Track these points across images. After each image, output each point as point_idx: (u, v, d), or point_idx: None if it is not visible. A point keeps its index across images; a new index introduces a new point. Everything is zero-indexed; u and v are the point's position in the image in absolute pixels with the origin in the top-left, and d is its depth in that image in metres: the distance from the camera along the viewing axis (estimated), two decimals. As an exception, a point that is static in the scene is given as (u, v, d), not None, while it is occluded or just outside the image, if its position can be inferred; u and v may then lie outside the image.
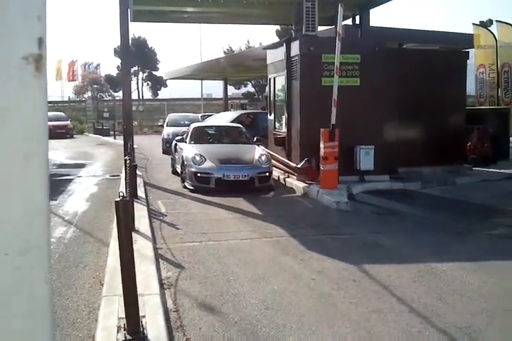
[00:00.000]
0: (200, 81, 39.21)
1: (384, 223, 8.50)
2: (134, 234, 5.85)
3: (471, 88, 16.94)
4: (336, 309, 4.81)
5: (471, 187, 11.75)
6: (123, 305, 3.94)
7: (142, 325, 3.98)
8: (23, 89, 0.85)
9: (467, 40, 17.92)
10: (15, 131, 0.85)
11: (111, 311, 4.33)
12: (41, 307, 0.90)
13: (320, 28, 12.76)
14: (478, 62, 18.09)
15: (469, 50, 16.20)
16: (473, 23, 18.15)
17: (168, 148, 16.90)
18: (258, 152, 11.82)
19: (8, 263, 0.86)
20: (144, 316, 4.16)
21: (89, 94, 53.70)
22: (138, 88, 61.16)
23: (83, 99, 50.25)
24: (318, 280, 5.59)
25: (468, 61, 13.88)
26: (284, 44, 12.63)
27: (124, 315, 3.96)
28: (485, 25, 18.11)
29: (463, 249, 6.93)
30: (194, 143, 12.39)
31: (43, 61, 0.86)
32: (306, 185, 10.99)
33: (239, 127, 14.06)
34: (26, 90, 0.85)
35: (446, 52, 16.01)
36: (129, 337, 3.79)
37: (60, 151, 20.94)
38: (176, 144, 13.44)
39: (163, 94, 62.04)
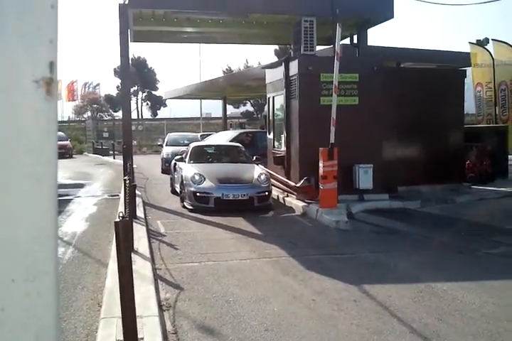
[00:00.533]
0: (199, 100, 39.45)
1: (383, 242, 8.47)
2: (132, 255, 5.83)
3: (469, 106, 17.02)
4: (336, 330, 4.76)
5: (470, 206, 11.74)
6: (121, 326, 3.90)
7: (140, 348, 3.93)
8: (34, 113, 0.86)
9: (464, 58, 18.08)
10: (25, 154, 0.86)
11: (109, 333, 4.28)
12: (49, 334, 0.89)
13: (318, 48, 12.90)
14: (476, 81, 18.22)
15: (466, 68, 16.32)
16: (470, 42, 18.32)
17: (167, 167, 16.92)
18: (257, 171, 11.83)
19: (15, 289, 0.86)
20: (142, 338, 4.12)
21: (89, 113, 54.01)
22: (137, 108, 61.52)
23: (83, 118, 50.54)
24: (319, 301, 5.54)
25: (465, 79, 14.00)
26: (283, 63, 12.73)
27: (122, 338, 3.91)
28: (481, 43, 18.28)
29: (463, 268, 6.89)
30: (193, 163, 12.40)
31: (53, 84, 0.87)
32: (305, 204, 10.98)
33: (238, 146, 14.09)
34: (38, 113, 0.86)
35: (444, 71, 16.15)
36: (127, 360, 3.75)
37: (59, 171, 20.80)
38: (175, 164, 13.45)
39: (163, 113, 62.35)
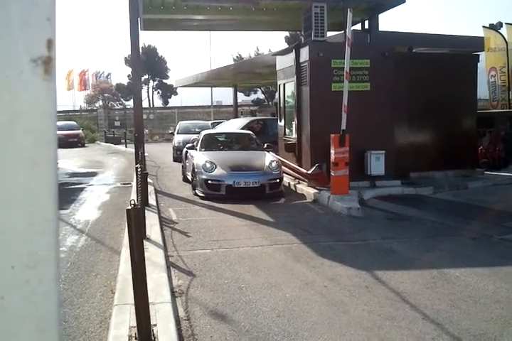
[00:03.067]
0: (210, 88, 39.35)
1: (396, 229, 8.44)
2: (145, 242, 5.86)
3: (481, 91, 16.82)
4: (348, 316, 4.77)
5: (483, 192, 11.65)
6: (134, 313, 3.93)
7: (153, 334, 3.97)
8: (32, 93, 0.83)
9: (477, 43, 17.84)
10: (23, 136, 0.83)
11: (122, 320, 4.32)
12: (50, 322, 0.87)
13: (329, 34, 12.78)
14: (489, 65, 17.98)
15: (480, 53, 16.10)
16: (483, 26, 18.06)
17: (178, 155, 16.95)
18: (268, 158, 11.81)
19: (15, 276, 0.84)
20: (155, 325, 4.15)
21: (101, 103, 54.10)
22: (148, 96, 61.46)
23: (94, 108, 50.63)
24: (330, 287, 5.55)
25: (478, 64, 13.82)
26: (294, 50, 12.64)
27: (135, 324, 3.94)
28: (495, 27, 18.01)
29: (476, 254, 6.86)
30: (205, 151, 12.41)
31: (52, 63, 0.84)
32: (316, 191, 10.96)
33: (249, 134, 14.07)
34: (35, 93, 0.83)
35: (457, 56, 15.94)
36: (140, 346, 3.78)
37: (71, 160, 21.07)
38: (186, 152, 13.46)
39: (174, 102, 62.29)
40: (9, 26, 0.80)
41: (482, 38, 17.95)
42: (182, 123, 22.92)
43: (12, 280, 0.84)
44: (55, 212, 0.85)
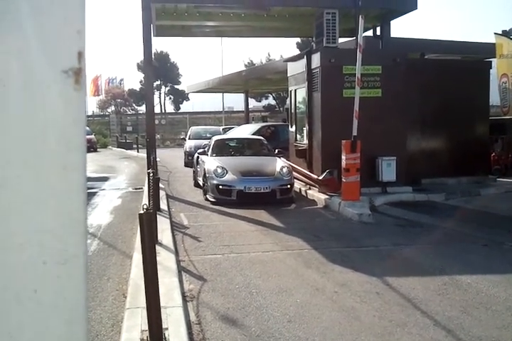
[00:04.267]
0: (221, 94, 39.49)
1: (407, 235, 8.42)
2: (157, 247, 5.90)
3: (493, 98, 16.75)
4: (359, 322, 4.77)
5: (495, 199, 11.59)
6: (146, 317, 3.97)
7: (165, 338, 4.00)
8: (63, 102, 0.88)
9: (489, 49, 17.78)
10: (56, 142, 0.89)
11: (134, 324, 4.35)
12: (79, 314, 0.94)
13: (340, 40, 12.81)
14: (501, 72, 17.90)
15: (491, 59, 16.04)
16: (495, 33, 18.00)
17: (190, 160, 17.03)
18: (279, 164, 11.83)
19: (47, 271, 0.90)
20: (166, 328, 4.18)
21: (113, 108, 54.49)
22: (160, 102, 61.85)
23: (107, 113, 50.99)
24: (341, 293, 5.55)
25: (490, 71, 13.78)
26: (305, 56, 12.68)
27: (147, 328, 3.98)
28: (507, 34, 17.95)
29: (488, 261, 6.82)
30: (216, 156, 12.46)
31: (82, 74, 0.89)
32: (327, 196, 10.96)
33: (260, 139, 14.11)
34: (67, 103, 0.89)
35: (469, 62, 15.93)
36: (152, 349, 3.81)
37: (84, 165, 21.18)
38: (197, 157, 13.53)
39: (186, 107, 62.65)
40: (42, 39, 0.86)
41: (494, 44, 17.88)
42: (193, 129, 23.03)
43: (44, 275, 0.90)
44: (84, 213, 0.92)
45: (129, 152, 28.54)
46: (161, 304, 4.12)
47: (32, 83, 0.86)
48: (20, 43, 0.85)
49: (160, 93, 61.67)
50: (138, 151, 26.48)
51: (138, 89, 56.19)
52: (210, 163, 11.88)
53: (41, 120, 0.87)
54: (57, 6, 0.87)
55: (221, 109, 42.75)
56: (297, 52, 33.60)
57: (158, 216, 8.51)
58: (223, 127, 25.64)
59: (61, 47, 0.87)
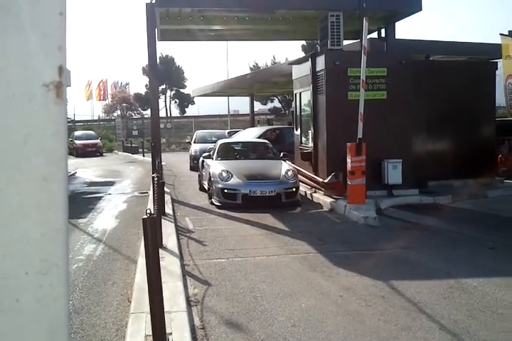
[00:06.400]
0: (227, 97, 39.56)
1: (413, 238, 8.37)
2: (161, 251, 5.90)
3: (500, 99, 16.68)
4: (364, 326, 4.74)
5: (502, 201, 11.52)
6: (150, 322, 3.96)
7: (169, 343, 3.98)
8: (44, 115, 0.90)
9: (495, 50, 17.70)
10: (36, 155, 0.90)
11: (138, 328, 4.35)
12: (60, 323, 0.94)
13: (345, 42, 12.79)
14: (507, 73, 17.79)
15: (497, 60, 15.97)
16: (501, 34, 17.92)
17: (195, 164, 17.03)
18: (284, 167, 11.81)
19: (29, 281, 0.91)
20: (170, 333, 4.17)
21: (119, 112, 54.69)
22: (166, 106, 61.99)
23: (113, 117, 51.17)
24: (346, 297, 5.52)
25: (496, 72, 13.72)
26: (310, 59, 12.67)
27: (151, 332, 3.97)
28: (513, 35, 17.84)
29: (494, 264, 6.77)
30: (221, 160, 12.46)
31: (63, 88, 0.91)
32: (333, 200, 10.92)
33: (265, 143, 14.09)
34: (47, 116, 0.90)
35: (475, 63, 15.84)
36: (155, 354, 3.80)
37: (89, 169, 21.29)
38: (203, 161, 13.54)
39: (191, 111, 62.81)
40: (23, 54, 0.88)
41: (499, 45, 17.80)
42: (199, 133, 23.05)
43: (26, 284, 0.91)
44: (65, 223, 0.94)
45: (135, 156, 28.61)
46: (166, 309, 4.11)
47: (13, 96, 0.88)
48: (2, 58, 0.87)
49: (165, 97, 61.83)
50: (144, 155, 26.53)
51: (143, 93, 56.37)
52: (215, 166, 11.88)
53: (21, 133, 0.89)
54: (37, 23, 0.89)
55: (227, 113, 42.82)
56: (302, 54, 33.64)
57: (163, 220, 8.52)
58: (229, 130, 25.66)
59: (42, 62, 0.89)
